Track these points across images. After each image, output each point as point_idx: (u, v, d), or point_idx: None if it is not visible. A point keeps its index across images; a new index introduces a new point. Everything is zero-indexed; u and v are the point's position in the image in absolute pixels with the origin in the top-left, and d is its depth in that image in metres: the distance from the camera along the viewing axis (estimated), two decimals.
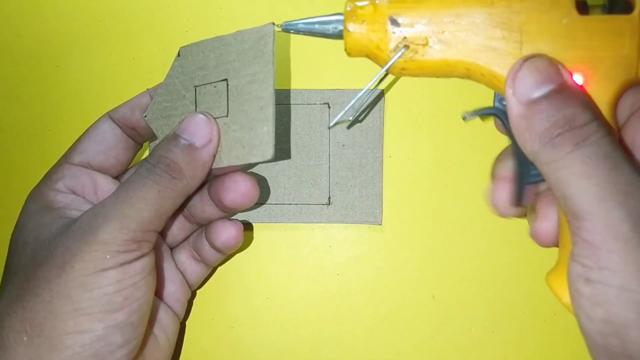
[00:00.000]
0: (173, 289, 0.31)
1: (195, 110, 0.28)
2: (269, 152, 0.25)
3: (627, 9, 0.22)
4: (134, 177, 0.26)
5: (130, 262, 0.25)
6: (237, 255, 0.34)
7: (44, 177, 0.29)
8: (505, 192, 0.26)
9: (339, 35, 0.24)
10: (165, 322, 0.30)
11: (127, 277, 0.25)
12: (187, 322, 0.34)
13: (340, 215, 0.34)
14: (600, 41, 0.22)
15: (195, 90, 0.28)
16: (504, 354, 0.33)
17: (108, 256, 0.24)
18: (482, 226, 0.33)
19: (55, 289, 0.24)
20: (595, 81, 0.22)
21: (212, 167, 0.27)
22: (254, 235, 0.35)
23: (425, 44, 0.23)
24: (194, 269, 0.32)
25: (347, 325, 0.34)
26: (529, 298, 0.33)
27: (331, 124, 0.26)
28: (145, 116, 0.30)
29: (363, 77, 0.34)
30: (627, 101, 0.24)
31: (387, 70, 0.24)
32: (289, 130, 0.34)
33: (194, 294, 0.34)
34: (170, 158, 0.26)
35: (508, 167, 0.26)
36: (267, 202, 0.34)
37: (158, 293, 0.30)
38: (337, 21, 0.24)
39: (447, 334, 0.33)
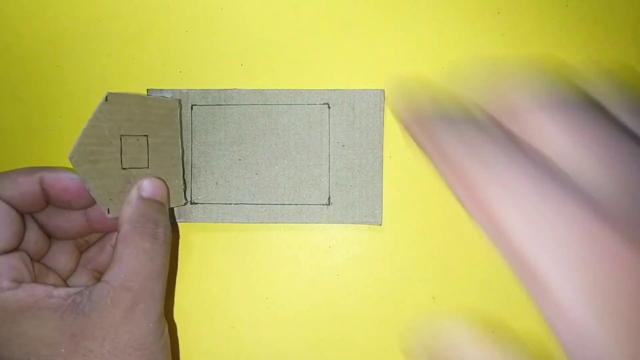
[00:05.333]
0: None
1: (121, 159, 0.30)
2: (182, 200, 0.33)
3: None
4: None
5: None
6: (237, 255, 0.34)
7: None
8: None
9: None
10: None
11: None
12: (187, 322, 0.34)
13: (340, 216, 0.34)
14: None
15: (121, 139, 0.30)
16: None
17: None
18: None
19: None
20: None
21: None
22: (254, 235, 0.35)
23: None
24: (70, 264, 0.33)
25: (347, 325, 0.34)
26: (529, 298, 0.33)
27: None
28: (72, 157, 0.28)
29: (363, 77, 0.34)
30: None
31: None
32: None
33: (193, 292, 0.34)
34: None
35: None
36: (267, 202, 0.34)
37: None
38: None
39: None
